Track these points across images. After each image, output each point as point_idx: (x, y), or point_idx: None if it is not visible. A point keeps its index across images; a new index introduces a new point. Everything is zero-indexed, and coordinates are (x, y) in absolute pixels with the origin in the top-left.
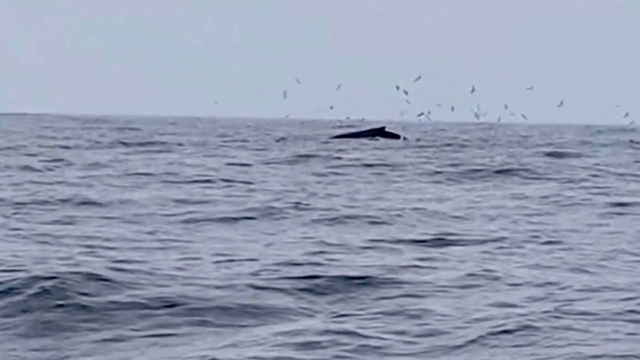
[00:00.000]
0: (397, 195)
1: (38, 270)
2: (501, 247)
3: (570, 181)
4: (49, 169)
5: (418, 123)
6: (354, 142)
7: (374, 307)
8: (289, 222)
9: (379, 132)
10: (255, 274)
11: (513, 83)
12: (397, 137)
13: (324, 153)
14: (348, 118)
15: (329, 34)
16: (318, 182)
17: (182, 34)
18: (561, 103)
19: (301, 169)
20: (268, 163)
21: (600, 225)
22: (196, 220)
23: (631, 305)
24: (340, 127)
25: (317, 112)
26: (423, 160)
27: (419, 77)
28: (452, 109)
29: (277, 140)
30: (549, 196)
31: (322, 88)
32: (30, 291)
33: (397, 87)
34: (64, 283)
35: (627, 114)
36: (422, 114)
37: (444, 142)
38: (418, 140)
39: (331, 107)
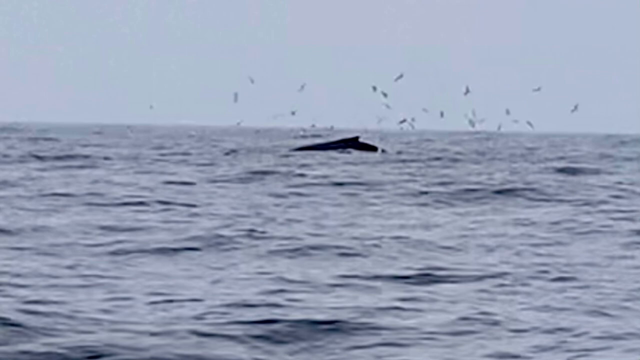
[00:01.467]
0: (374, 220)
1: None
2: (502, 285)
3: (587, 203)
4: None
5: (400, 132)
6: (320, 155)
7: (346, 358)
8: (241, 254)
9: (352, 144)
10: (199, 317)
11: (516, 83)
12: (373, 149)
13: (284, 169)
14: (313, 126)
15: (289, 22)
16: (277, 205)
17: (108, 23)
18: (575, 107)
19: (256, 188)
20: (215, 181)
21: (624, 257)
22: (127, 252)
23: None
24: (303, 137)
25: (275, 119)
26: (406, 177)
27: (401, 76)
28: (442, 114)
29: (227, 153)
30: (561, 222)
31: (282, 89)
32: None
33: (374, 88)
34: None
35: None
36: (404, 120)
37: (431, 156)
38: (399, 153)
39: (292, 113)
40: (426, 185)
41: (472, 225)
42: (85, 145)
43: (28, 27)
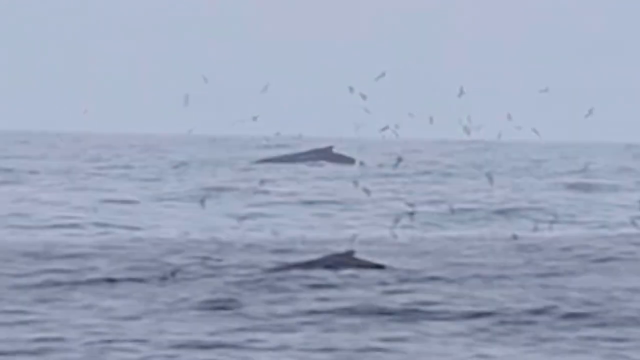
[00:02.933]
0: (351, 246)
1: None
2: (502, 322)
3: (604, 226)
4: None
5: (381, 141)
6: (287, 168)
7: None
8: (193, 286)
9: (324, 155)
10: None
11: (519, 83)
12: (350, 161)
13: (244, 185)
14: (278, 134)
15: (249, 10)
16: (235, 228)
17: (32, 10)
18: (590, 112)
19: (211, 208)
20: (162, 199)
21: None
22: (57, 283)
23: None
24: (267, 146)
25: (233, 126)
26: (388, 195)
27: (383, 74)
28: (431, 120)
29: (176, 166)
30: (573, 248)
31: (241, 90)
32: None
33: (351, 89)
34: None
35: None
36: (386, 127)
37: (419, 169)
38: (381, 165)
39: (254, 118)
40: (412, 205)
41: (467, 252)
42: (7, 157)
43: None
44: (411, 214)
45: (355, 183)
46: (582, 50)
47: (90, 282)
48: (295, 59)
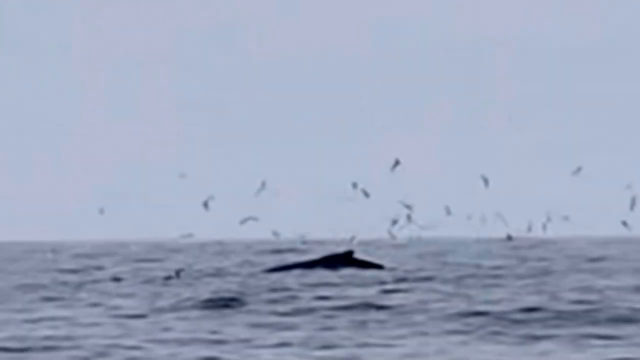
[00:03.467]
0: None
1: None
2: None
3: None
4: None
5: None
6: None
7: None
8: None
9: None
10: None
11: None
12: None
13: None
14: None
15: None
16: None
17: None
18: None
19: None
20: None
21: None
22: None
23: None
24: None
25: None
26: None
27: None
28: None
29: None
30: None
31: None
32: None
33: (354, 185)
34: None
35: None
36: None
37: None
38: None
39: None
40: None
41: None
42: None
43: None
44: (409, 215)
45: (354, 185)
46: (580, 52)
47: (96, 281)
48: (291, 153)
